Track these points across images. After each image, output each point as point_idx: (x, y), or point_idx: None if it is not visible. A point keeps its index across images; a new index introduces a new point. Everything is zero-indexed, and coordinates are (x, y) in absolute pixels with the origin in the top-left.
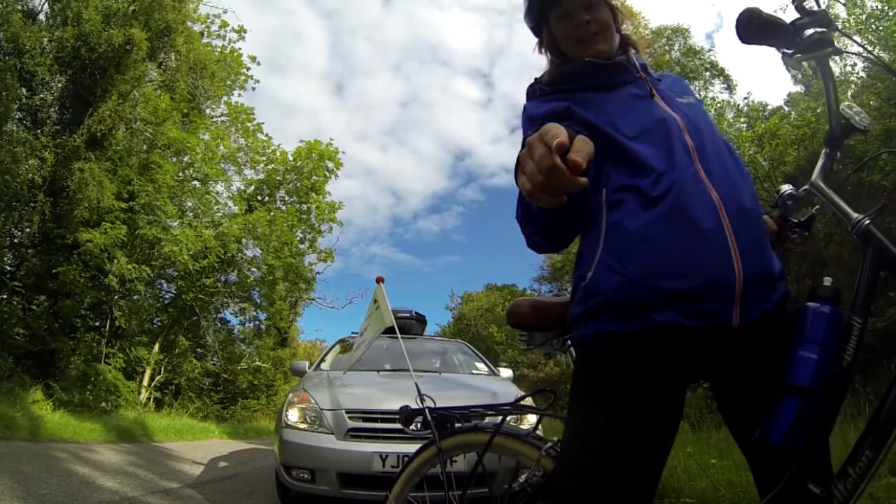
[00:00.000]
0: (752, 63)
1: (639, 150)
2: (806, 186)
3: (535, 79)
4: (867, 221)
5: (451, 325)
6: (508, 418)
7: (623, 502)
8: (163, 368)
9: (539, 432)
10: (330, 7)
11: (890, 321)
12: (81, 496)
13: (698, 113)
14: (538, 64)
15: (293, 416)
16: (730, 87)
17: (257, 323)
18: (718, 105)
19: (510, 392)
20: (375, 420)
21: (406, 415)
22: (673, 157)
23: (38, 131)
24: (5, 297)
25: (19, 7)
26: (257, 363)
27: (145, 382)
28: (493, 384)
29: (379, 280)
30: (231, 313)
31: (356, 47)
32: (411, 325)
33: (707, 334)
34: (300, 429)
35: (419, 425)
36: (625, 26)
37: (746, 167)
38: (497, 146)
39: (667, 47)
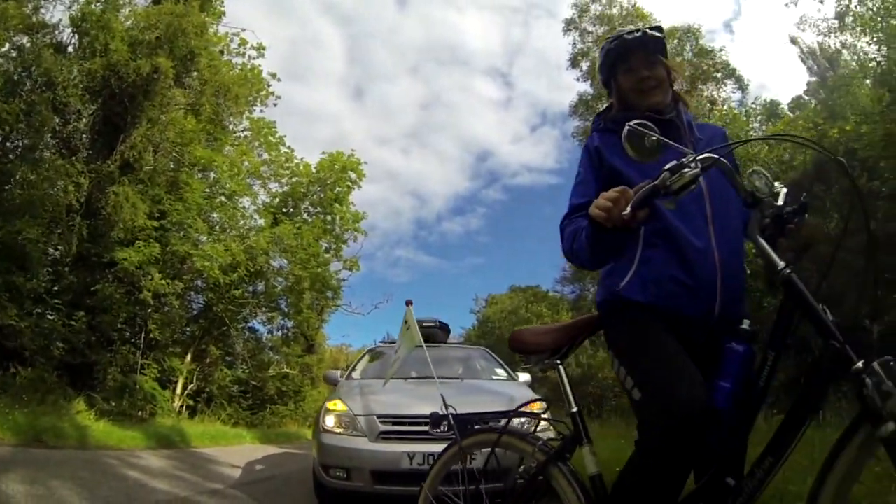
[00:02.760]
0: (769, 58)
1: (668, 215)
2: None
3: (602, 111)
4: (788, 271)
5: (476, 329)
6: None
7: (693, 393)
8: (195, 377)
9: (549, 432)
10: (346, 13)
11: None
12: (139, 497)
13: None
14: (556, 62)
15: (330, 421)
16: (742, 88)
17: (285, 331)
18: (728, 107)
19: (526, 395)
20: (404, 423)
21: (434, 419)
22: (693, 223)
23: (73, 158)
24: (40, 311)
25: (48, 40)
26: (285, 370)
27: (178, 391)
28: (511, 389)
29: (408, 303)
30: (259, 322)
31: (374, 52)
32: (435, 333)
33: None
34: (336, 433)
35: (444, 427)
36: (677, 85)
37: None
38: (518, 145)
39: (678, 48)
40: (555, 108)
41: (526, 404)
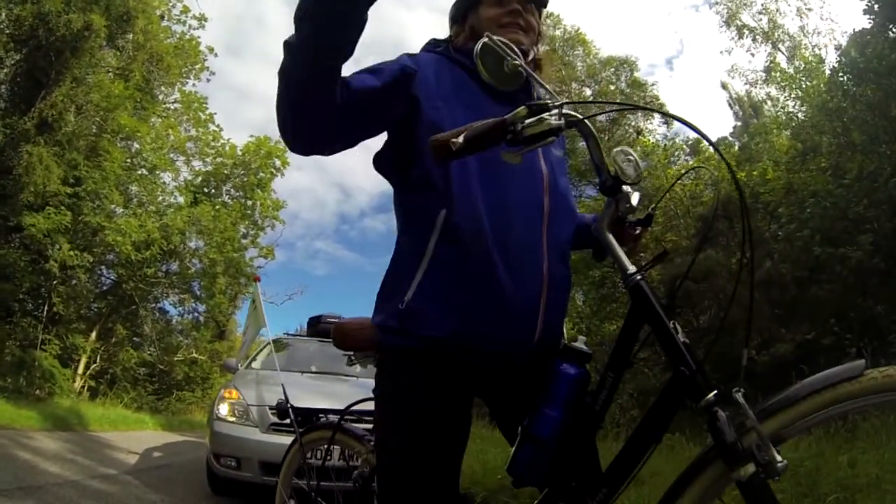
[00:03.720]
0: (703, 98)
1: (489, 195)
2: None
3: (444, 39)
4: (639, 277)
5: None
6: None
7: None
8: (99, 357)
9: None
10: None
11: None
12: (28, 479)
13: (561, 168)
14: None
15: (223, 409)
16: (667, 122)
17: (196, 315)
18: (654, 139)
19: None
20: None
21: (280, 410)
22: (526, 217)
23: None
24: None
25: None
26: (194, 355)
27: (80, 370)
28: None
29: (255, 279)
30: (170, 304)
31: None
32: None
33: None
34: (229, 421)
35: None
36: (540, 48)
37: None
38: None
39: (613, 77)
40: None
41: (360, 402)
